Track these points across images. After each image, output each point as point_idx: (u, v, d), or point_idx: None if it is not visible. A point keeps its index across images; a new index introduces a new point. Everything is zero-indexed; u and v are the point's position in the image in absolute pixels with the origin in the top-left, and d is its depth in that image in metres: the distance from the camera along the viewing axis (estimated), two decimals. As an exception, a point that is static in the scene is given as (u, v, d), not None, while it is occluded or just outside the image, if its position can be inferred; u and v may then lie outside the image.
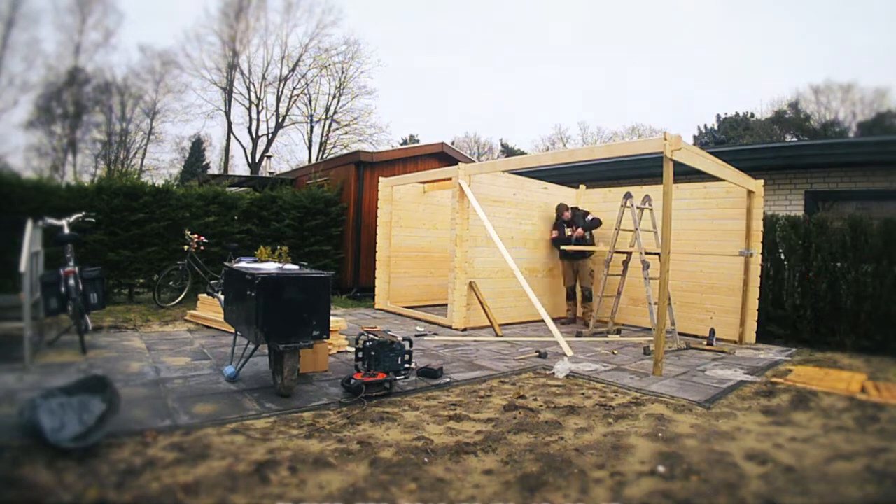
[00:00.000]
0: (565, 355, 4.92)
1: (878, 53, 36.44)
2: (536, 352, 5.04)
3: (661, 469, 2.37)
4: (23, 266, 3.68)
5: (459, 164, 6.66)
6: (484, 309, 6.27)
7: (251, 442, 2.54)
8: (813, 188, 7.87)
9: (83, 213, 5.14)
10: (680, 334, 5.80)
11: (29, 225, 4.02)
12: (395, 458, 2.42)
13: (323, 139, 29.04)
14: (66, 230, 4.63)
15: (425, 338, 5.68)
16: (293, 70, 27.96)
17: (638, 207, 6.06)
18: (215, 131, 41.74)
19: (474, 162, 8.74)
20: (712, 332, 5.72)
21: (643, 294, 6.02)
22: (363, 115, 28.78)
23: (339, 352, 4.73)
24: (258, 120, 28.07)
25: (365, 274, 9.07)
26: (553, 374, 4.24)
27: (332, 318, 3.69)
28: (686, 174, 5.36)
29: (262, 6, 29.23)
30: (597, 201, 7.62)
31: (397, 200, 8.17)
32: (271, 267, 3.76)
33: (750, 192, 5.96)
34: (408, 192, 8.28)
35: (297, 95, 28.42)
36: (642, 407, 3.38)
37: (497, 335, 5.92)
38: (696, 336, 6.04)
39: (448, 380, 3.94)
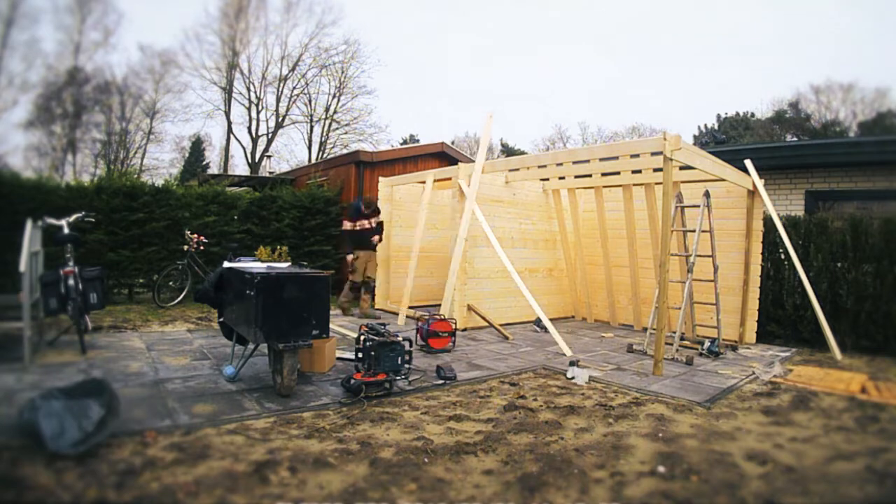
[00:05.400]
0: (577, 361, 4.90)
1: (878, 53, 36.49)
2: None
3: (661, 469, 2.37)
4: (22, 266, 3.68)
5: (459, 163, 6.66)
6: (489, 323, 6.26)
7: (251, 442, 2.54)
8: (813, 188, 7.87)
9: (83, 212, 5.13)
10: (682, 336, 5.76)
11: (28, 225, 4.01)
12: (395, 458, 2.42)
13: (323, 139, 29.01)
14: (66, 230, 4.61)
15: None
16: (293, 70, 27.92)
17: (691, 206, 5.67)
18: (215, 131, 41.93)
19: (475, 162, 8.68)
20: (713, 341, 5.28)
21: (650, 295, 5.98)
22: (363, 115, 28.77)
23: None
24: (258, 120, 28.03)
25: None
26: (573, 379, 4.07)
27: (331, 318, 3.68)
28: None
29: (262, 6, 29.18)
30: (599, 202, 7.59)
31: (397, 200, 8.16)
32: (260, 267, 3.74)
33: (750, 192, 5.95)
34: (408, 192, 8.27)
35: (297, 95, 28.38)
36: (642, 407, 3.38)
37: (508, 339, 5.87)
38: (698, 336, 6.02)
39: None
